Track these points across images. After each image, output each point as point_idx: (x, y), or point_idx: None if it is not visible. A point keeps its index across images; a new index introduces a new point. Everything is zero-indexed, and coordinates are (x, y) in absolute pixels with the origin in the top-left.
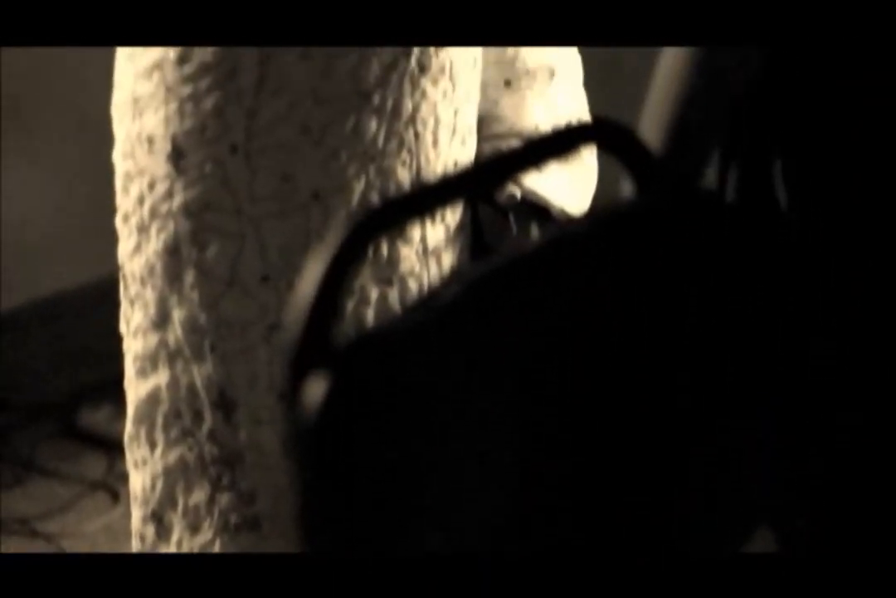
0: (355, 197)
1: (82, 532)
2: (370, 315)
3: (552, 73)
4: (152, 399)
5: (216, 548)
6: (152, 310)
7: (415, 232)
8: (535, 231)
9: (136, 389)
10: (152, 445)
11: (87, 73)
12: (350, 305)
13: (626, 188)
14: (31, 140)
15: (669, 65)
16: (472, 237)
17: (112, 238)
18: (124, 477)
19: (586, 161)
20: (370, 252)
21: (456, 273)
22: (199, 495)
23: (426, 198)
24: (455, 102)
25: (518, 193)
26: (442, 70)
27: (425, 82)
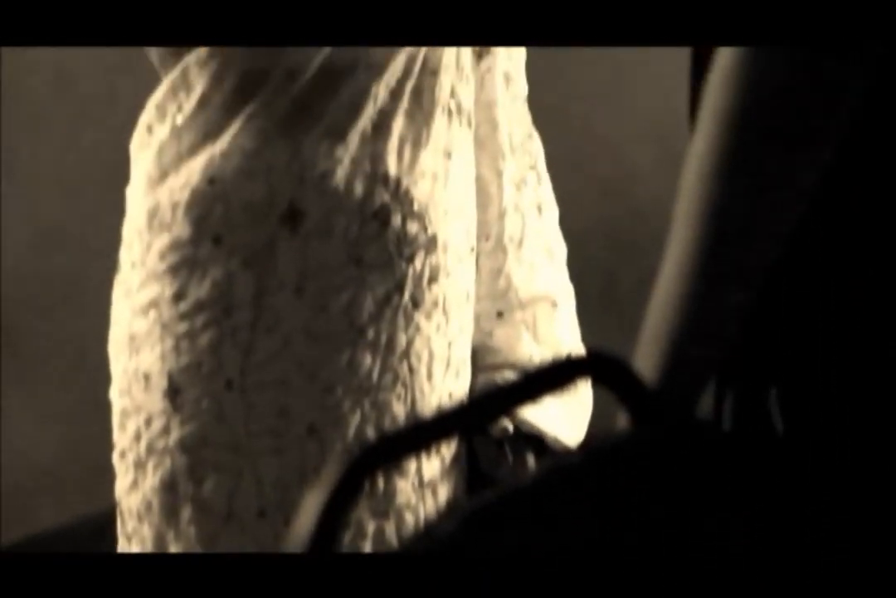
0: (351, 431)
1: None
2: (367, 549)
3: (545, 304)
4: None
5: None
6: (149, 546)
7: (411, 465)
8: (531, 461)
9: None
10: None
11: (86, 310)
12: (346, 538)
13: (622, 419)
14: (29, 376)
15: (663, 295)
16: (469, 468)
17: (109, 474)
18: None
19: (581, 390)
20: (366, 486)
21: (452, 506)
22: None
23: (422, 433)
24: (449, 335)
25: (510, 427)
26: (435, 304)
27: (419, 317)
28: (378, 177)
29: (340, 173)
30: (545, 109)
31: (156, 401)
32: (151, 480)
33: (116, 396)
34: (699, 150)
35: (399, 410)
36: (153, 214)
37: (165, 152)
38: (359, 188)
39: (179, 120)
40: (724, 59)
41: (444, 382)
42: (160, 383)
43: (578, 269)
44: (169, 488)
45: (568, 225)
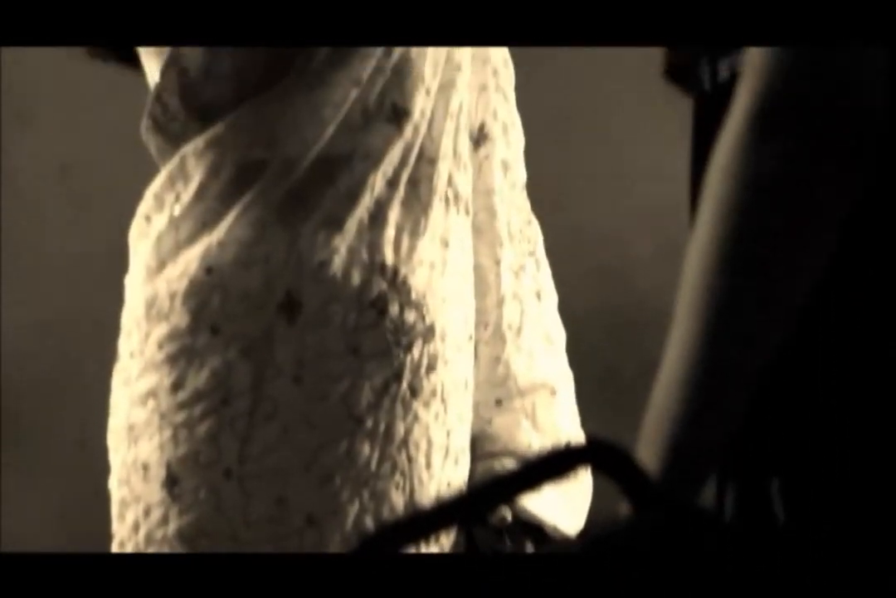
0: (349, 521)
1: None
2: None
3: (544, 392)
4: None
5: None
6: None
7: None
8: (530, 549)
9: None
10: None
11: (85, 399)
12: None
13: (623, 508)
14: (28, 465)
15: (666, 386)
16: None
17: None
18: None
19: (581, 478)
20: None
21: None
22: None
23: (420, 523)
24: (447, 423)
25: (509, 516)
26: (433, 393)
27: (417, 405)
28: (375, 266)
29: (338, 262)
30: (544, 196)
31: (154, 491)
32: None
33: (115, 486)
34: (701, 243)
35: (398, 499)
36: (151, 303)
37: (163, 242)
38: (356, 277)
39: (177, 210)
40: (724, 149)
41: (442, 470)
42: (158, 472)
43: (578, 356)
44: None
45: (567, 312)
